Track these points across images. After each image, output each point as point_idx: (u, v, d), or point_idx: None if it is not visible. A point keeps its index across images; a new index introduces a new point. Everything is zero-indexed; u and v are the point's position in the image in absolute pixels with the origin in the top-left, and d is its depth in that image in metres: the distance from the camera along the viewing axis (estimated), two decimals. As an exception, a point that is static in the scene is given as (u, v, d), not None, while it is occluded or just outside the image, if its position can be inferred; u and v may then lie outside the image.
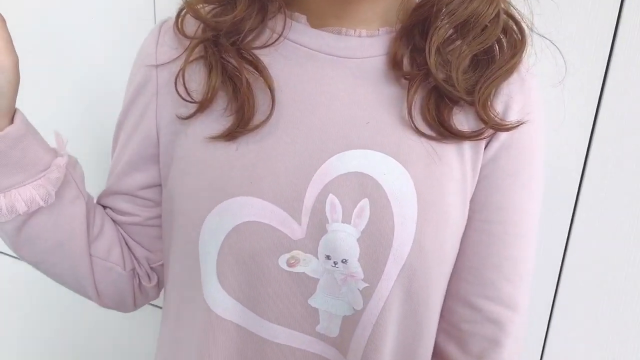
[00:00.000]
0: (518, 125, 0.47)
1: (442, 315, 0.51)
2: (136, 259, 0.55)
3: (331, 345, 0.47)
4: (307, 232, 0.45)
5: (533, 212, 0.51)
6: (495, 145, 0.48)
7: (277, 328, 0.46)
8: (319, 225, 0.45)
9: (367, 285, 0.45)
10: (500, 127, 0.46)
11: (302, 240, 0.45)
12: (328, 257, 0.45)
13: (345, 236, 0.44)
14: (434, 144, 0.47)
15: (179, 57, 0.48)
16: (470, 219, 0.50)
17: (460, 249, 0.50)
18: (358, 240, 0.44)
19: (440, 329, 0.51)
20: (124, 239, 0.54)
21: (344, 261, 0.44)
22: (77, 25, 0.99)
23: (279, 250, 0.45)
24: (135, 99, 0.51)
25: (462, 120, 0.47)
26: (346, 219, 0.45)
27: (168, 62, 0.49)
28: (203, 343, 0.48)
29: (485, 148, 0.49)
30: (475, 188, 0.50)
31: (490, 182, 0.49)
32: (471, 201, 0.50)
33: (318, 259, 0.45)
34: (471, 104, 0.46)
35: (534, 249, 0.52)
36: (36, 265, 0.52)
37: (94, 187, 0.58)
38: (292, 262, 0.45)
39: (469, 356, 0.50)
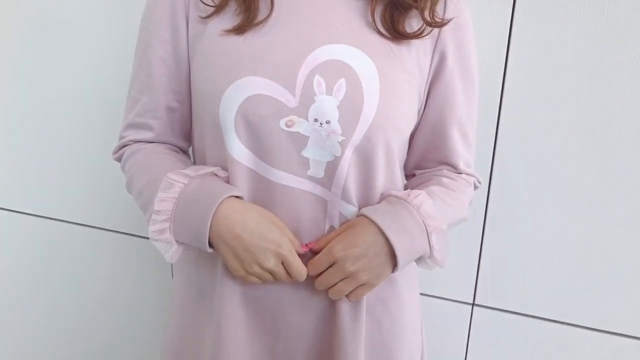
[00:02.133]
0: (449, 21, 0.66)
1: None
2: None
3: (318, 184, 0.65)
4: (299, 101, 0.62)
5: (473, 97, 0.73)
6: (440, 47, 0.68)
7: (279, 172, 0.64)
8: (308, 97, 0.62)
9: (344, 138, 0.63)
10: (436, 24, 0.65)
11: (296, 108, 0.62)
12: (316, 120, 0.62)
13: (328, 104, 0.62)
14: (391, 43, 0.65)
15: None
16: (427, 108, 0.71)
17: (421, 132, 0.73)
18: (338, 107, 0.62)
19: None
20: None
21: (328, 122, 0.62)
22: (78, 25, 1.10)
23: (279, 115, 0.62)
24: (163, 10, 0.66)
25: (413, 24, 0.66)
26: (329, 93, 0.62)
27: None
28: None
29: (433, 50, 0.68)
30: (430, 84, 0.70)
31: (440, 78, 0.70)
32: (428, 94, 0.70)
33: (308, 121, 0.62)
34: (417, 8, 0.64)
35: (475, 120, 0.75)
36: None
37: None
38: (290, 123, 0.63)
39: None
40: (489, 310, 1.03)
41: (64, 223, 1.26)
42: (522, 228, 0.98)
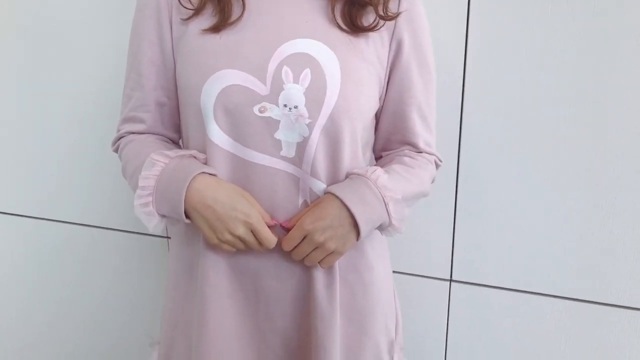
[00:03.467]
0: (400, 14, 0.75)
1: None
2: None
3: (290, 163, 0.73)
4: (270, 90, 0.71)
5: (430, 83, 0.81)
6: (397, 38, 0.77)
7: (255, 153, 0.72)
8: (278, 86, 0.70)
9: (310, 120, 0.71)
10: (389, 17, 0.73)
11: (268, 96, 0.71)
12: (285, 105, 0.71)
13: (296, 92, 0.71)
14: (350, 36, 0.74)
15: None
16: (388, 94, 0.79)
17: (384, 117, 0.81)
18: (304, 93, 0.70)
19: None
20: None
21: (296, 107, 0.70)
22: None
23: (253, 102, 0.71)
24: (150, 16, 0.75)
25: (369, 18, 0.74)
26: (296, 81, 0.71)
27: None
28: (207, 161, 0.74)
29: (390, 41, 0.77)
30: (389, 71, 0.78)
31: (398, 65, 0.78)
32: (388, 80, 0.79)
33: (279, 107, 0.71)
34: (371, 5, 0.72)
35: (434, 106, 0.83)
36: None
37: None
38: (262, 109, 0.71)
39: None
40: (466, 286, 1.10)
41: (65, 224, 1.35)
42: (492, 204, 1.05)
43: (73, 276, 1.39)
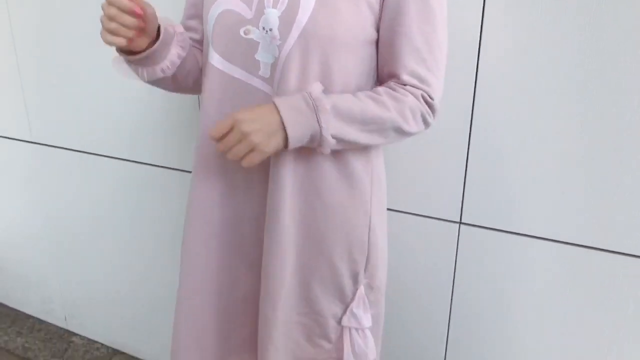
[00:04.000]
0: None
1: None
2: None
3: (266, 83, 0.81)
4: (254, 14, 0.79)
5: (429, 14, 0.78)
6: None
7: (240, 71, 0.82)
8: (260, 10, 0.79)
9: (280, 42, 0.78)
10: None
11: (252, 19, 0.79)
12: (263, 28, 0.78)
13: (272, 15, 0.78)
14: None
15: None
16: (380, 24, 0.80)
17: (379, 48, 0.82)
18: (279, 17, 0.78)
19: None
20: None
21: (270, 30, 0.78)
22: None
23: (240, 25, 0.80)
24: None
25: None
26: (274, 6, 0.78)
27: None
28: (206, 84, 0.86)
29: None
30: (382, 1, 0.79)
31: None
32: (381, 10, 0.79)
33: (259, 30, 0.79)
34: None
35: (442, 39, 0.80)
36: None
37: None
38: (247, 32, 0.80)
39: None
40: (476, 229, 1.09)
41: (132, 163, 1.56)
42: (505, 148, 1.02)
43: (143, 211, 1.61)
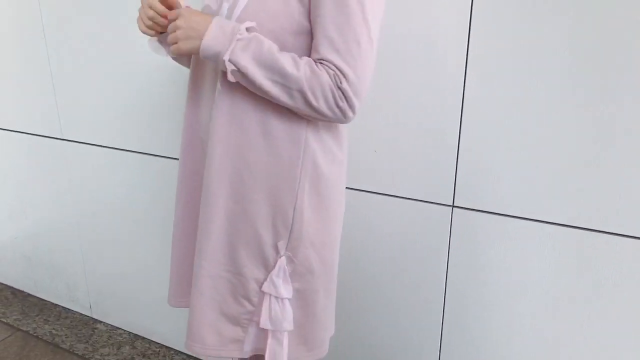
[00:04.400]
0: None
1: None
2: None
3: None
4: (217, 7, 0.90)
5: (344, 7, 0.79)
6: None
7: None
8: (220, 3, 0.89)
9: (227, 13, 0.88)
10: None
11: (215, 10, 0.90)
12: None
13: (224, 7, 0.88)
14: None
15: None
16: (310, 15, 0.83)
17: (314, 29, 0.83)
18: (227, 9, 0.87)
19: None
20: None
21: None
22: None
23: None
24: None
25: None
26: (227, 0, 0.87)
27: None
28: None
29: None
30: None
31: None
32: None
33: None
34: None
35: (360, 33, 0.80)
36: None
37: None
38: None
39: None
40: (468, 212, 1.12)
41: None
42: (496, 131, 1.05)
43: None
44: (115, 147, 1.69)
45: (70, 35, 1.65)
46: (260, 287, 0.95)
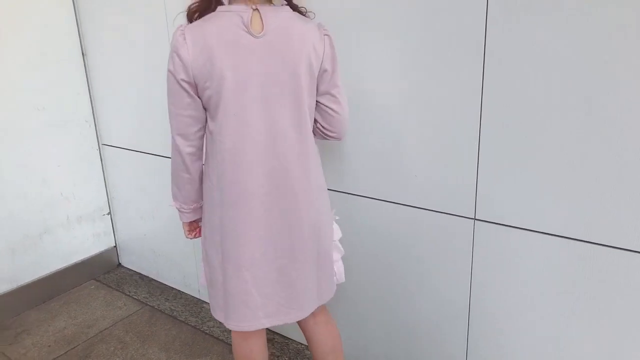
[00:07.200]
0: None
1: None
2: None
3: None
4: None
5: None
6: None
7: None
8: None
9: None
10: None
11: None
12: None
13: None
14: None
15: None
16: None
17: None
18: None
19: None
20: None
21: None
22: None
23: None
24: None
25: None
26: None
27: None
28: None
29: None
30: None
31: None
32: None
33: None
34: None
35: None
36: None
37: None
38: None
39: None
40: (490, 225, 1.19)
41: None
42: (515, 147, 1.08)
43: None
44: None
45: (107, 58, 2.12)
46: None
